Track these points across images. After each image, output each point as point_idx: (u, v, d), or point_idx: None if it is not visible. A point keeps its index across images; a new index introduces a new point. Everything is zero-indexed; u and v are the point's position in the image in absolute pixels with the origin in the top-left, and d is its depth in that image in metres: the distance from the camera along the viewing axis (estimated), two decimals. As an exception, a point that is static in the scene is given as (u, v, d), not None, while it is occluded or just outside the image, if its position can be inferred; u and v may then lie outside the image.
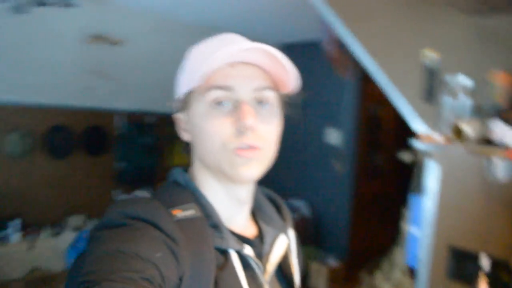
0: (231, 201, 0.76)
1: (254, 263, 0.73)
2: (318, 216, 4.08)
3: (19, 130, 3.62)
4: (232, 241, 0.71)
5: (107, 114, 4.22)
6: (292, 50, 4.34)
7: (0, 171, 3.57)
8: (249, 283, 0.71)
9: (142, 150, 4.42)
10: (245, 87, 0.69)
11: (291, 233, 0.87)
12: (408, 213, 1.51)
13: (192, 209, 0.69)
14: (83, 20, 3.12)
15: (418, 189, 1.48)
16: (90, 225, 3.81)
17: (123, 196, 0.69)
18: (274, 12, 3.34)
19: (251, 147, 0.69)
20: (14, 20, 2.83)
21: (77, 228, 3.72)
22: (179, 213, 0.66)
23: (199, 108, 0.70)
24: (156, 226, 0.62)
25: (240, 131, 0.68)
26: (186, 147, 0.79)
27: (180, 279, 0.61)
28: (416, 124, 1.47)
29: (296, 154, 4.30)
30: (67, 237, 3.57)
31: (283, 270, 0.83)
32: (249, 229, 0.81)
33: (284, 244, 0.82)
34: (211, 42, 0.75)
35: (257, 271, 0.73)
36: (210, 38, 0.76)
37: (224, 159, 0.69)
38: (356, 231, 3.94)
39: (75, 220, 3.82)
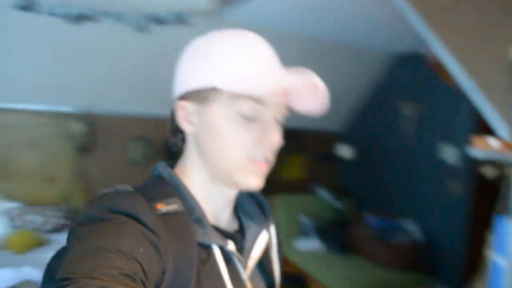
0: (220, 201, 0.77)
1: (237, 258, 0.73)
2: (431, 240, 3.70)
3: (141, 138, 3.99)
4: (215, 236, 0.71)
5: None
6: (403, 61, 4.10)
7: (124, 176, 3.94)
8: (231, 279, 0.71)
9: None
10: (277, 102, 0.71)
11: (272, 229, 0.86)
12: (493, 238, 1.27)
13: (175, 203, 0.68)
14: (196, 36, 3.33)
15: (506, 209, 1.24)
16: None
17: (105, 190, 0.68)
18: (385, 21, 3.16)
19: (266, 161, 0.72)
20: (137, 39, 3.13)
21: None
22: (162, 207, 0.66)
23: (224, 110, 0.70)
24: (139, 220, 0.61)
25: (263, 144, 0.70)
26: (175, 136, 0.79)
27: (163, 273, 0.61)
28: (503, 130, 1.24)
29: (408, 172, 3.99)
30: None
31: (263, 266, 0.83)
32: (231, 224, 0.81)
33: (265, 239, 0.82)
34: (250, 45, 0.73)
35: (239, 266, 0.74)
36: (243, 35, 0.75)
37: (238, 167, 0.71)
38: (473, 257, 3.47)
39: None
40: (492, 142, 1.11)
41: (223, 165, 0.71)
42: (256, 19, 3.24)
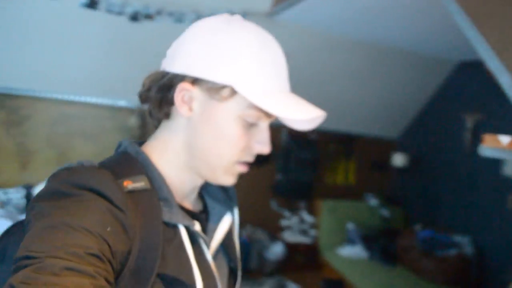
0: (189, 184, 0.77)
1: (202, 239, 0.73)
2: (483, 256, 3.51)
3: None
4: (181, 216, 0.70)
5: (274, 128, 4.40)
6: (464, 68, 3.93)
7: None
8: (196, 258, 0.70)
9: (301, 165, 4.49)
10: (274, 116, 0.73)
11: (236, 211, 0.87)
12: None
13: (143, 181, 0.67)
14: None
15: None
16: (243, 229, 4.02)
17: (68, 164, 0.65)
18: (446, 27, 3.04)
19: (247, 164, 0.75)
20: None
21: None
22: (129, 184, 0.65)
23: (233, 111, 0.69)
24: (105, 197, 0.60)
25: (253, 152, 0.74)
26: (160, 108, 0.73)
27: (129, 252, 0.60)
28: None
29: (463, 184, 3.82)
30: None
31: (226, 247, 0.83)
32: (196, 205, 0.82)
33: (229, 221, 0.83)
34: (278, 58, 0.72)
35: (204, 246, 0.74)
36: (271, 44, 0.72)
37: (225, 166, 0.72)
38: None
39: (230, 222, 4.05)
40: (503, 139, 1.04)
41: (213, 161, 0.72)
42: (309, 21, 3.24)
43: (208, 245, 0.75)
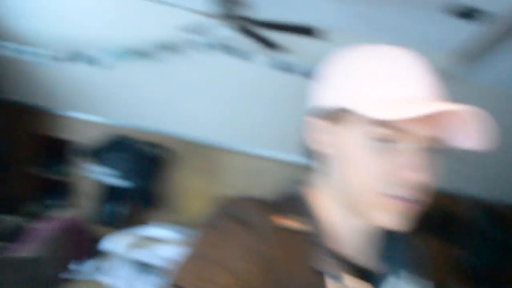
0: (348, 228, 0.70)
1: None
2: None
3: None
4: (331, 265, 0.64)
5: (452, 197, 4.07)
6: None
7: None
8: None
9: (496, 248, 3.95)
10: (419, 133, 0.60)
11: (424, 281, 0.75)
12: None
13: (299, 222, 0.66)
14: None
15: None
16: None
17: (232, 196, 0.70)
18: None
19: (407, 199, 0.61)
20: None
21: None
22: (282, 221, 0.64)
23: (355, 135, 0.63)
24: (252, 227, 0.61)
25: (396, 180, 0.60)
26: (308, 157, 0.74)
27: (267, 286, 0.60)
28: None
29: None
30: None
31: None
32: (369, 261, 0.71)
33: None
34: (391, 66, 0.63)
35: None
36: (387, 53, 0.64)
37: (373, 202, 0.62)
38: None
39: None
40: None
41: (353, 194, 0.64)
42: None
43: None
